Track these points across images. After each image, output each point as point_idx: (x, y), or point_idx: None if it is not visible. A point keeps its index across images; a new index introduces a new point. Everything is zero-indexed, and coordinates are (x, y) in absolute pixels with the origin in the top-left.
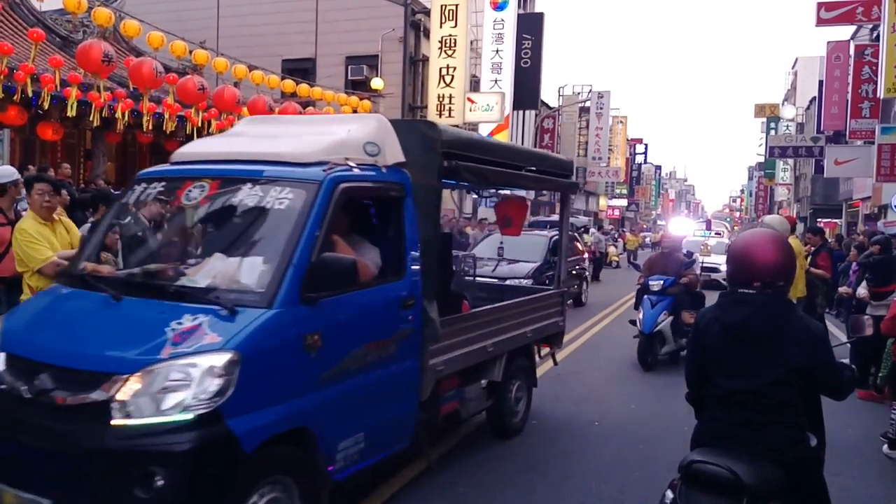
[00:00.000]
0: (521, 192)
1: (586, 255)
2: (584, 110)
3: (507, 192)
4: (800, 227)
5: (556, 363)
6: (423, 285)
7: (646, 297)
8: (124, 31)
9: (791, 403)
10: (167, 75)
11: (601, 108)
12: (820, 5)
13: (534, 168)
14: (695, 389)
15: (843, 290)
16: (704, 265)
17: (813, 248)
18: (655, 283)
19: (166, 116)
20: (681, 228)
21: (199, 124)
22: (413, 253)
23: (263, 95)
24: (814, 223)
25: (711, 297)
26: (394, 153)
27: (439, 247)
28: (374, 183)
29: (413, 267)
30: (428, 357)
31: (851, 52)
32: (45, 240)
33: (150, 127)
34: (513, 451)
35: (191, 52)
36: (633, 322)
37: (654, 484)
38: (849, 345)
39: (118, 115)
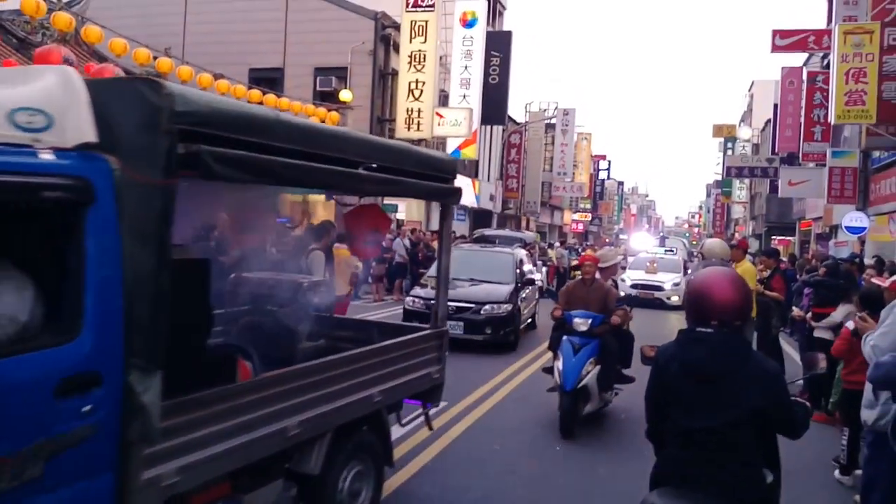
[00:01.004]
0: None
1: (538, 284)
2: (550, 126)
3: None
4: (754, 244)
5: (430, 428)
6: (131, 349)
7: (566, 339)
8: (85, 36)
9: (747, 442)
10: None
11: (566, 125)
12: (775, 32)
13: (388, 166)
14: (653, 426)
15: (795, 312)
16: (646, 283)
17: (767, 271)
18: (581, 322)
19: None
20: (641, 243)
21: None
22: (103, 296)
23: None
24: (769, 241)
25: (652, 316)
26: (79, 129)
27: (170, 284)
28: (23, 177)
29: (98, 320)
30: (140, 467)
31: (804, 77)
32: None
33: None
34: None
35: (155, 58)
36: (548, 370)
37: None
38: (802, 356)
39: None
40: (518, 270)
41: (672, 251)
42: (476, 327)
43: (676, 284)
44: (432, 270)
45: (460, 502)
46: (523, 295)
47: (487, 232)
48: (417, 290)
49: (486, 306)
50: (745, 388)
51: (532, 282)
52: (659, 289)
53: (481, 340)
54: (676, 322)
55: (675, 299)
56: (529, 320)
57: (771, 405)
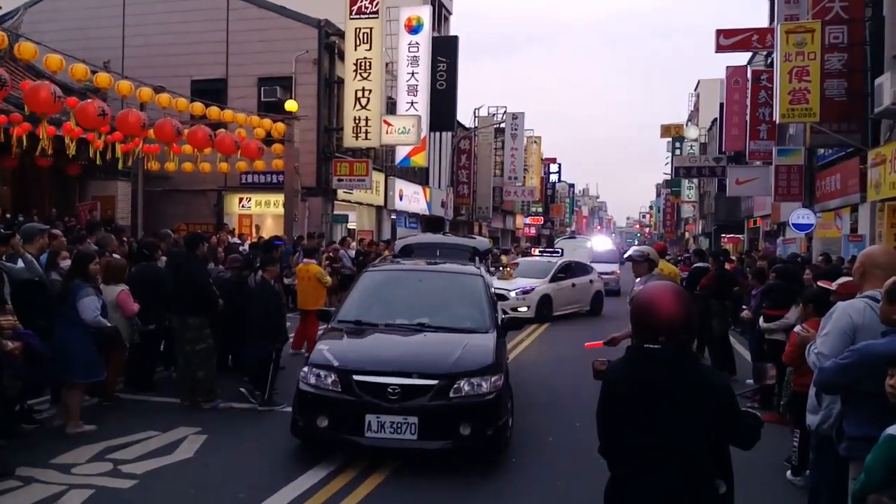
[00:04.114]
0: None
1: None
2: (500, 131)
3: None
4: (704, 242)
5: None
6: None
7: None
8: (19, 53)
9: (700, 456)
10: (68, 98)
11: (516, 129)
12: (719, 32)
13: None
14: (606, 442)
15: (744, 314)
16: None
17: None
18: None
19: (67, 140)
20: (601, 245)
21: (103, 147)
22: None
23: (171, 118)
24: (718, 239)
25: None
26: None
27: None
28: None
29: None
30: None
31: (749, 76)
32: None
33: (50, 151)
34: None
35: (93, 73)
36: None
37: None
38: (753, 365)
39: (14, 139)
40: (492, 303)
41: (558, 253)
42: (440, 425)
43: (526, 292)
44: (351, 304)
45: None
46: (505, 345)
47: (416, 239)
48: (322, 351)
49: (461, 382)
50: (695, 404)
51: (518, 324)
52: (502, 297)
53: (452, 449)
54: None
55: (522, 310)
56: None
57: (722, 418)
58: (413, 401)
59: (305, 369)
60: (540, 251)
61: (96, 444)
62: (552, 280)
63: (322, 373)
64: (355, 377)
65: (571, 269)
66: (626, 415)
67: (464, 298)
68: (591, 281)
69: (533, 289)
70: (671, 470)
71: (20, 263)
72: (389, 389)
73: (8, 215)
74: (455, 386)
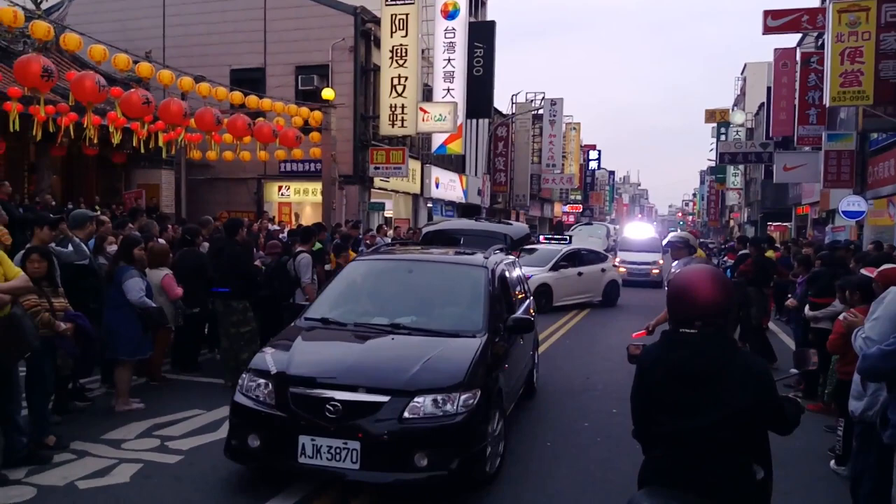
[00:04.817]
0: None
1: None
2: (538, 118)
3: None
4: (750, 231)
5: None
6: None
7: None
8: (64, 44)
9: (736, 441)
10: (111, 88)
11: (554, 116)
12: (766, 13)
13: None
14: (641, 427)
15: (789, 302)
16: None
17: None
18: None
19: (112, 129)
20: (635, 232)
21: (146, 137)
22: None
23: (211, 107)
24: (764, 228)
25: None
26: None
27: None
28: None
29: None
30: None
31: (798, 59)
32: None
33: (96, 140)
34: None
35: (135, 63)
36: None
37: None
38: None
39: (61, 129)
40: (493, 301)
41: (566, 240)
42: (388, 453)
43: None
44: (326, 298)
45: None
46: (507, 352)
47: (445, 226)
48: (265, 354)
49: (419, 400)
50: (733, 388)
51: (527, 325)
52: None
53: (406, 482)
54: None
55: None
56: (521, 390)
57: (759, 404)
58: (356, 421)
59: (245, 376)
60: (546, 238)
61: (144, 421)
62: (553, 269)
63: (259, 381)
64: (291, 389)
65: (579, 257)
66: (660, 398)
67: (458, 294)
68: (602, 270)
69: (529, 277)
70: (705, 454)
71: (69, 248)
72: (329, 406)
73: (53, 203)
74: (411, 404)
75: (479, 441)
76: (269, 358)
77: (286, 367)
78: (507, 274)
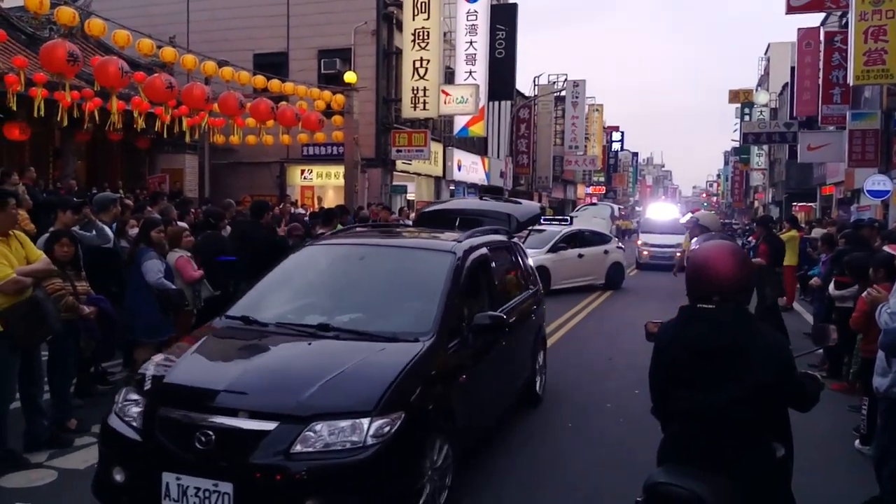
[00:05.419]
0: None
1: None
2: (560, 99)
3: None
4: (774, 211)
5: None
6: None
7: None
8: (89, 29)
9: (755, 417)
10: (135, 73)
11: (577, 97)
12: None
13: None
14: (659, 405)
15: (813, 281)
16: None
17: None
18: None
19: (136, 114)
20: (658, 213)
21: (170, 121)
22: None
23: (234, 91)
24: (789, 208)
25: None
26: None
27: None
28: None
29: None
30: None
31: (822, 38)
32: (3, 256)
33: (121, 125)
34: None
35: (159, 48)
36: None
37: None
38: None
39: (86, 114)
40: (456, 295)
41: (566, 221)
42: (271, 499)
43: None
44: (257, 291)
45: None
46: (472, 360)
47: (444, 206)
48: (150, 364)
49: (316, 428)
50: (751, 365)
51: (497, 325)
52: None
53: None
54: None
55: None
56: (511, 401)
57: (778, 380)
58: (231, 455)
59: (122, 390)
60: (546, 219)
61: None
62: (551, 250)
63: (133, 398)
64: (161, 410)
65: (580, 239)
66: (678, 374)
67: (413, 287)
68: (605, 251)
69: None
70: (722, 430)
71: (93, 232)
72: (200, 435)
73: (76, 188)
74: (303, 434)
75: (405, 481)
76: (151, 369)
77: (160, 382)
78: (491, 261)
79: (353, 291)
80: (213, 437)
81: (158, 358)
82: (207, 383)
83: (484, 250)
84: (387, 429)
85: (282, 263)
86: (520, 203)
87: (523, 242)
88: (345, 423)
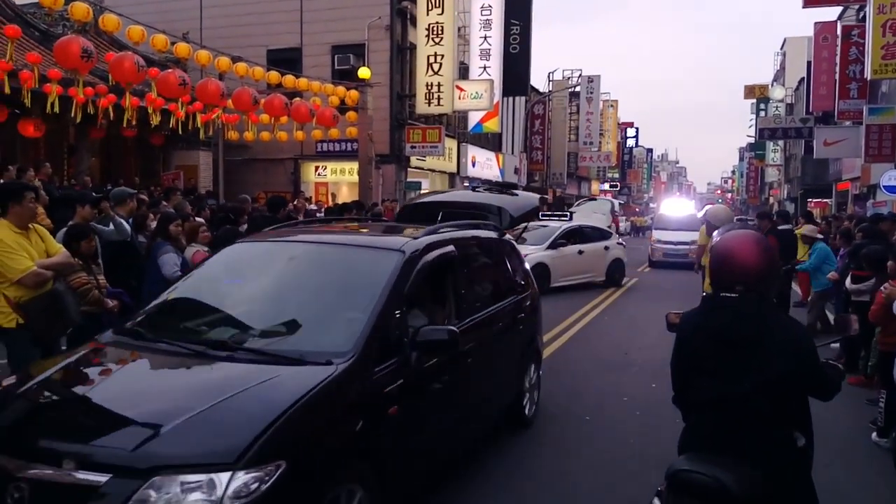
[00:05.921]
0: None
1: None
2: (575, 95)
3: None
4: (790, 207)
5: None
6: None
7: None
8: (103, 25)
9: (776, 406)
10: (150, 69)
11: (591, 93)
12: None
13: None
14: (681, 394)
15: (831, 275)
16: None
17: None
18: None
19: (150, 111)
20: (672, 209)
21: (184, 118)
22: None
23: (248, 87)
24: (804, 204)
25: None
26: None
27: None
28: None
29: None
30: None
31: (838, 32)
32: (23, 249)
33: (135, 121)
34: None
35: (173, 44)
36: None
37: (646, 482)
38: (835, 316)
39: (100, 110)
40: (395, 305)
41: (566, 216)
42: None
43: None
44: (166, 298)
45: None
46: (413, 387)
47: (430, 198)
48: None
49: (158, 483)
50: (773, 354)
51: (442, 344)
52: None
53: None
54: None
55: None
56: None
57: (800, 368)
58: None
59: None
60: (544, 215)
61: None
62: (551, 247)
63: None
64: None
65: (580, 235)
66: (700, 363)
67: (347, 294)
68: (606, 248)
69: (525, 256)
70: (744, 419)
71: (111, 227)
72: (14, 487)
73: (91, 185)
74: (142, 491)
75: None
76: None
77: None
78: (460, 262)
79: (274, 299)
80: (27, 491)
81: (6, 382)
82: (35, 421)
83: (449, 248)
84: (255, 486)
85: (206, 262)
86: (516, 195)
87: (517, 239)
88: (195, 479)
